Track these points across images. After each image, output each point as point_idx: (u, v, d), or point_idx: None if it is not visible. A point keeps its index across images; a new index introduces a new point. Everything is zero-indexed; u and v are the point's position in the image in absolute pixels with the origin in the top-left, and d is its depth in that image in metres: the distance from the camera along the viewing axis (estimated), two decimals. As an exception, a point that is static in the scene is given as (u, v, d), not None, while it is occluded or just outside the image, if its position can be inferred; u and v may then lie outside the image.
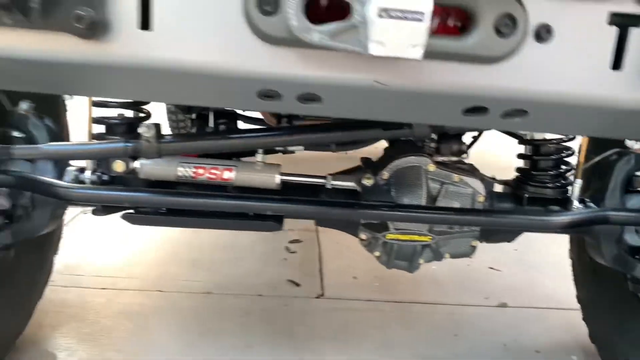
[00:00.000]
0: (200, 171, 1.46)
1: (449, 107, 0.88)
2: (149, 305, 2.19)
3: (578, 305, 2.02)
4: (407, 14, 0.70)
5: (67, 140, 1.77)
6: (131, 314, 2.12)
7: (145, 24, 0.79)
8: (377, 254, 1.61)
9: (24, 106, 1.53)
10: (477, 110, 0.89)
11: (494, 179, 1.67)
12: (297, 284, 2.44)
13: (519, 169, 1.70)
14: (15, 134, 1.55)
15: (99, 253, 2.66)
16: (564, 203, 1.56)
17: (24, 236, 1.54)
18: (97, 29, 0.76)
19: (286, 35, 0.78)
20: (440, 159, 1.60)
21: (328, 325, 2.12)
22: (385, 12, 0.70)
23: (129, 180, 1.49)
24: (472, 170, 1.62)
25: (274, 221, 1.50)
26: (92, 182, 1.48)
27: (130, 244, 2.76)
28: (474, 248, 1.61)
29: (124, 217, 1.49)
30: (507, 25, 0.79)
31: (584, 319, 1.98)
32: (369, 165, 1.62)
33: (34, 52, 0.77)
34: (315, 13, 0.77)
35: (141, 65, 0.80)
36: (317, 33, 0.73)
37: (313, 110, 0.91)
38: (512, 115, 0.91)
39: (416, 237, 1.53)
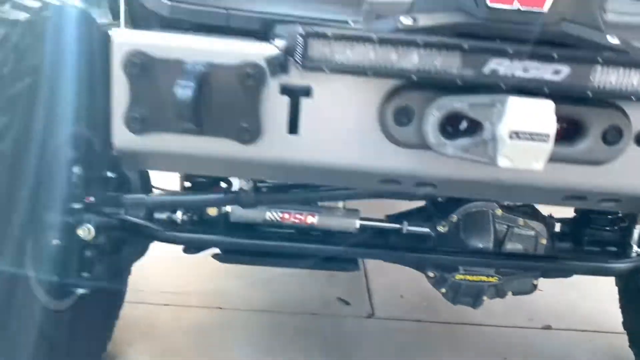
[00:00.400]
0: (286, 216, 1.58)
1: (552, 195, 0.99)
2: (211, 322, 2.32)
3: (622, 330, 2.12)
4: (534, 135, 0.81)
5: (149, 179, 1.89)
6: (196, 331, 2.25)
7: (293, 129, 0.90)
8: (443, 290, 1.72)
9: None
10: (576, 197, 1.00)
11: (553, 217, 1.76)
12: (347, 303, 2.56)
13: (578, 210, 1.80)
14: (109, 174, 1.67)
15: (154, 267, 2.79)
16: (624, 247, 1.65)
17: (115, 270, 1.67)
18: (256, 136, 0.87)
19: (418, 142, 0.89)
20: (506, 202, 1.70)
21: (383, 349, 2.23)
22: (516, 134, 0.80)
23: (217, 222, 1.61)
24: (534, 213, 1.72)
25: (352, 262, 1.62)
26: (184, 223, 1.60)
27: (184, 257, 2.88)
28: (535, 286, 1.71)
29: (214, 256, 1.61)
30: (613, 135, 0.90)
31: (630, 345, 2.08)
32: (437, 207, 1.72)
33: (204, 151, 0.90)
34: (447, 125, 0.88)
35: (287, 163, 0.91)
36: (451, 147, 0.84)
37: (425, 192, 1.02)
38: (607, 201, 1.01)
39: (484, 278, 1.64)
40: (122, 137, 0.92)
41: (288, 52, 0.85)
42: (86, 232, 1.53)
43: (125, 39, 0.89)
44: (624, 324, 2.12)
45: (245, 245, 1.54)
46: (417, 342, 2.29)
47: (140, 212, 1.57)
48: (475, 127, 0.85)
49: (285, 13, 1.08)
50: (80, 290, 1.55)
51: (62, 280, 1.46)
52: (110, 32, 0.90)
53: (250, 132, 0.86)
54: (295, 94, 0.89)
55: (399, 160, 0.91)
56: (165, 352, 2.11)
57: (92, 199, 1.52)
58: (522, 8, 0.87)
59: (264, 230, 1.59)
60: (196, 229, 1.54)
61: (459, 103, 0.82)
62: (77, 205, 1.48)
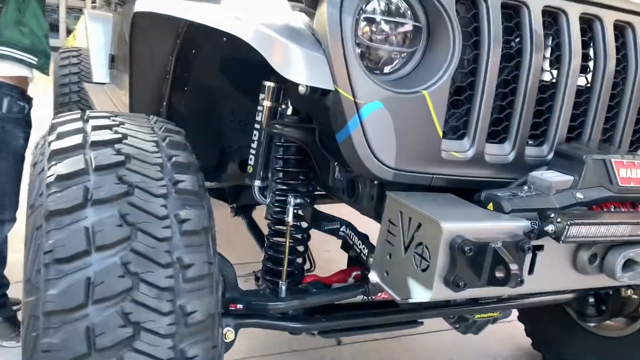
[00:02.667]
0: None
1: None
2: None
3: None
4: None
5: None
6: None
7: (531, 271, 1.34)
8: (457, 326, 2.28)
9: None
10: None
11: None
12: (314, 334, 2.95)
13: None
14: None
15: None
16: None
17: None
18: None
19: (596, 272, 1.42)
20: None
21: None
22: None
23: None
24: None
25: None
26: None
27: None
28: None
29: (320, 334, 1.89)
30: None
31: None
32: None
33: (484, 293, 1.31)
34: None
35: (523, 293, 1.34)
36: (626, 278, 1.38)
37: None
38: None
39: (490, 315, 2.25)
40: (439, 290, 1.24)
41: (545, 231, 1.29)
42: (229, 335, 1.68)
43: (451, 227, 1.22)
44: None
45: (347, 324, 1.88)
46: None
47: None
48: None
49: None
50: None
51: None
52: (440, 222, 1.22)
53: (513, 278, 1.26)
54: (535, 250, 1.34)
55: (576, 281, 1.43)
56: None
57: (239, 306, 1.68)
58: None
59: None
60: (326, 318, 1.82)
61: (632, 253, 1.37)
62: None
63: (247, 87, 2.22)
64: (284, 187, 1.91)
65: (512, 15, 1.48)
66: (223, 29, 1.51)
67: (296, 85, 1.76)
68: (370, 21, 1.40)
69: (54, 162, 1.36)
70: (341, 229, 1.80)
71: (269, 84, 1.95)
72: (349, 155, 1.40)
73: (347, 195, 1.75)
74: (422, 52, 1.45)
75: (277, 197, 1.92)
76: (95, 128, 1.47)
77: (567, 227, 1.26)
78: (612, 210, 1.45)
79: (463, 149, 1.47)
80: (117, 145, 1.41)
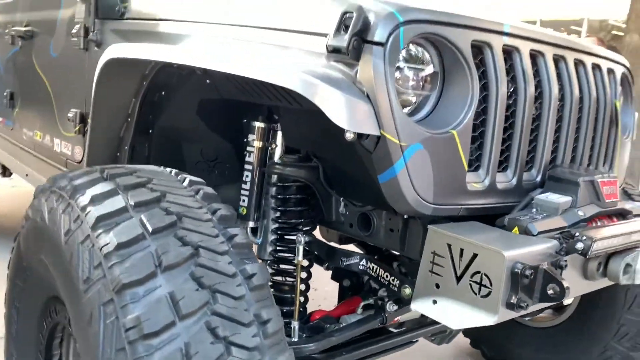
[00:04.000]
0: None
1: None
2: None
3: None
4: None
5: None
6: None
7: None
8: (433, 339, 2.43)
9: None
10: None
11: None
12: None
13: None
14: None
15: None
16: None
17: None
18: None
19: (601, 277, 1.63)
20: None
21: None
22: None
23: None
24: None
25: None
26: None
27: None
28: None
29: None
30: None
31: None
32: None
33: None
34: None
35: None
36: (624, 280, 1.61)
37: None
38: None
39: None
40: (503, 313, 1.35)
41: (574, 249, 1.46)
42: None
43: (511, 255, 1.34)
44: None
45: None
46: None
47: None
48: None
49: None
50: None
51: None
52: (502, 251, 1.32)
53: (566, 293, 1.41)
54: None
55: (586, 287, 1.64)
56: None
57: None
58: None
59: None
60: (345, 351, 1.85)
61: (629, 258, 1.60)
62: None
63: (224, 128, 2.19)
64: (285, 226, 1.93)
65: (507, 59, 1.66)
66: (251, 76, 1.51)
67: (294, 125, 1.82)
68: (401, 69, 1.49)
69: (102, 230, 1.27)
70: (361, 263, 1.86)
71: (258, 124, 1.96)
72: (392, 195, 1.48)
73: (359, 229, 1.81)
74: (438, 95, 1.58)
75: (278, 237, 1.93)
76: (129, 187, 1.39)
77: (592, 243, 1.46)
78: (606, 223, 1.68)
79: (480, 180, 1.62)
80: (162, 204, 1.35)
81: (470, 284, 1.41)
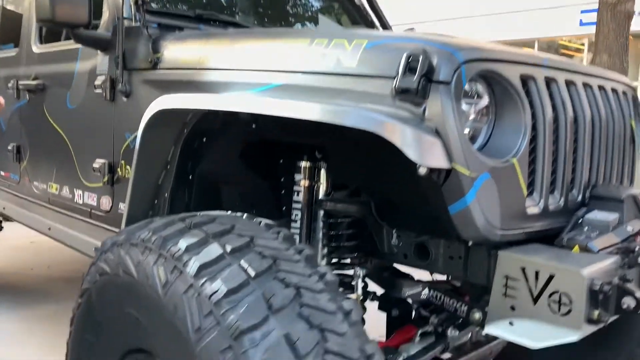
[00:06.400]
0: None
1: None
2: None
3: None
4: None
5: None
6: None
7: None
8: None
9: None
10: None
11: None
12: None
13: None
14: None
15: None
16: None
17: None
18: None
19: None
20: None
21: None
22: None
23: None
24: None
25: None
26: None
27: None
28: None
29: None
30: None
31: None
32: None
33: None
34: None
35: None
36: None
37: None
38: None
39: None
40: (585, 328, 1.42)
41: (638, 263, 1.55)
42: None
43: (588, 273, 1.43)
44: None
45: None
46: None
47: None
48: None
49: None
50: None
51: None
52: (580, 270, 1.40)
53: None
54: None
55: None
56: None
57: None
58: None
59: None
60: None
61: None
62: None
63: (262, 170, 2.24)
64: (339, 262, 1.98)
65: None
66: (318, 119, 1.56)
67: (344, 162, 1.88)
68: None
69: (206, 278, 1.30)
70: (423, 292, 1.91)
71: (305, 164, 2.02)
72: (463, 224, 1.55)
73: (416, 259, 1.88)
74: (491, 127, 1.67)
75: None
76: (217, 235, 1.42)
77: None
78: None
79: (535, 203, 1.71)
80: (255, 249, 1.39)
81: (549, 304, 1.48)
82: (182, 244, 1.39)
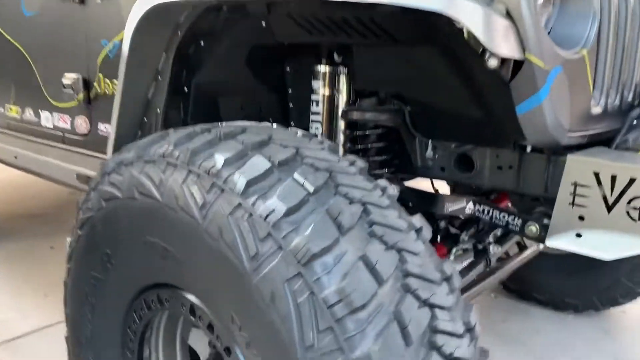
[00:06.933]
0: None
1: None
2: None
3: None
4: None
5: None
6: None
7: None
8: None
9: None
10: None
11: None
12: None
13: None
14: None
15: None
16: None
17: None
18: None
19: None
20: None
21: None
22: None
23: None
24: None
25: None
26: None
27: None
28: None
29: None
30: None
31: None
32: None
33: None
34: None
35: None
36: None
37: None
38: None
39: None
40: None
41: None
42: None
43: None
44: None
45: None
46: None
47: None
48: None
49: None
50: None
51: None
52: None
53: None
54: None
55: None
56: None
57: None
58: None
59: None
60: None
61: None
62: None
63: (269, 77, 1.97)
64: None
65: None
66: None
67: (374, 65, 1.64)
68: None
69: (257, 196, 1.06)
70: (467, 207, 1.73)
71: (324, 68, 1.76)
72: (532, 125, 1.35)
73: (456, 171, 1.69)
74: (556, 12, 1.45)
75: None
76: (256, 146, 1.18)
77: None
78: None
79: (597, 102, 1.53)
80: (306, 160, 1.15)
81: (628, 211, 1.32)
82: (219, 157, 1.13)
